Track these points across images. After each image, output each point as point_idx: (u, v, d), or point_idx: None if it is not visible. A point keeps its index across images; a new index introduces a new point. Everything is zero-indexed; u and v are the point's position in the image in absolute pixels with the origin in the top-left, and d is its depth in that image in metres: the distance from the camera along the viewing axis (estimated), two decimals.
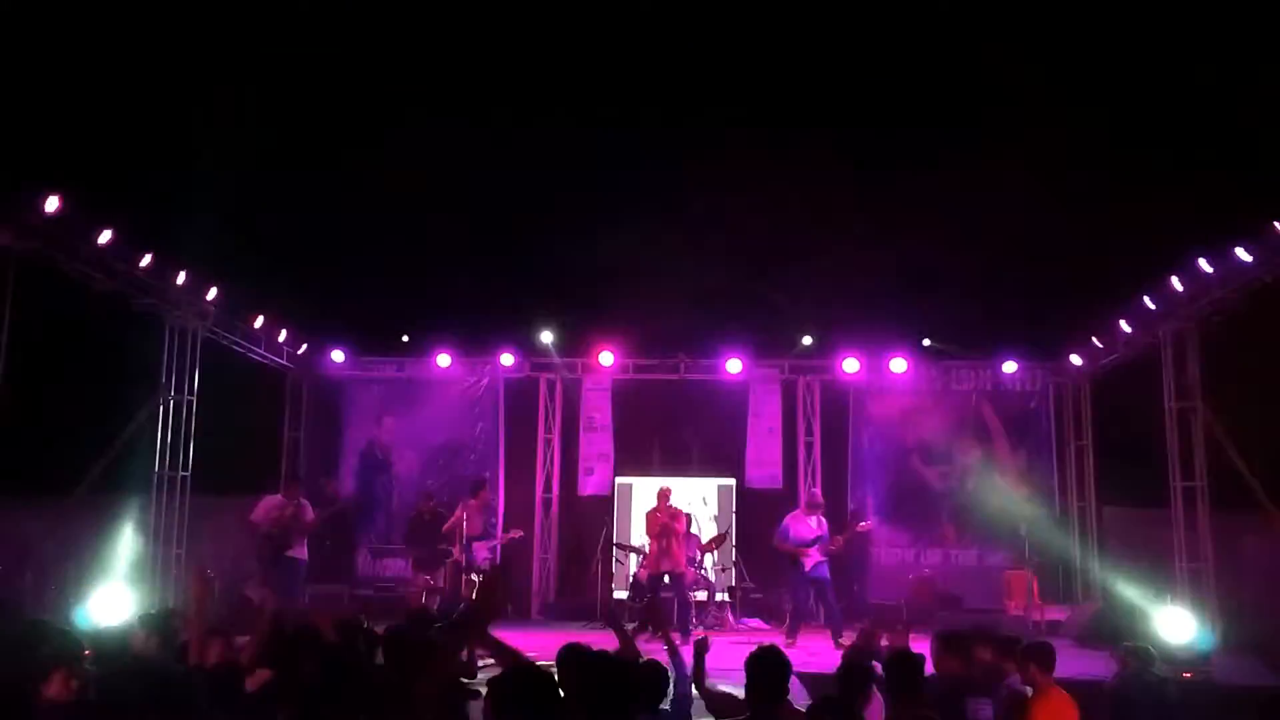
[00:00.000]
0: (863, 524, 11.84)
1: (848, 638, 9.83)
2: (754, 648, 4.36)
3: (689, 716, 4.39)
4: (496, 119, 21.71)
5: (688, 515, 12.11)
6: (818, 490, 11.99)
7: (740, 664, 4.24)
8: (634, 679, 3.99)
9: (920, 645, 5.55)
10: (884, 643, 6.70)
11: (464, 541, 10.99)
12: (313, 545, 10.62)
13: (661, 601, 10.88)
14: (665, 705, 4.27)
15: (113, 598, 10.00)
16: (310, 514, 10.30)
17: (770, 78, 21.54)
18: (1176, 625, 9.63)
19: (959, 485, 13.61)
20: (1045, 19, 20.04)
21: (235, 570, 12.22)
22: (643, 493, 12.70)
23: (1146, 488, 12.45)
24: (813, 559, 10.68)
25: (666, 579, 11.01)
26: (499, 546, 11.89)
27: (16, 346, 8.90)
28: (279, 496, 10.28)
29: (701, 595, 11.88)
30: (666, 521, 11.05)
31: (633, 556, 12.22)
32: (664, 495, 11.49)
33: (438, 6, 21.71)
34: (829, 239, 20.45)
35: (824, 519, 11.02)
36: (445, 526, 11.33)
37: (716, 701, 4.38)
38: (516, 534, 12.30)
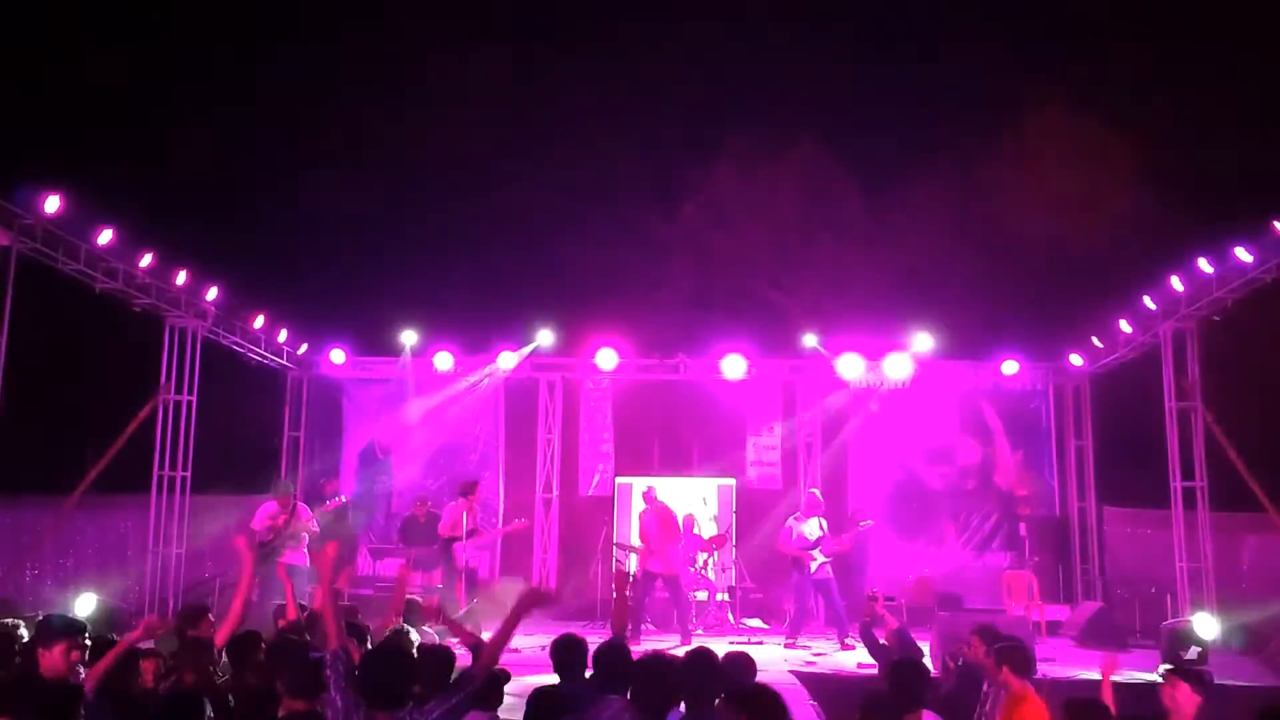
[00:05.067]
0: (864, 522, 11.84)
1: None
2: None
3: None
4: (499, 122, 21.74)
5: (689, 516, 12.09)
6: (818, 492, 11.98)
7: None
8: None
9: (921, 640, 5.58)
10: (879, 609, 6.73)
11: (443, 542, 10.91)
12: (312, 545, 10.60)
13: (626, 602, 10.75)
14: None
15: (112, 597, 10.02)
16: (305, 516, 10.29)
17: (770, 78, 21.56)
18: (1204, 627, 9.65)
19: (959, 485, 13.61)
20: (1045, 22, 20.06)
21: (235, 570, 12.23)
22: (643, 490, 12.69)
23: (1146, 488, 12.46)
24: (817, 561, 10.68)
25: (660, 581, 10.97)
26: (498, 541, 11.84)
27: (17, 346, 8.89)
28: (274, 504, 10.29)
29: (701, 595, 11.87)
30: (654, 521, 11.03)
31: (633, 556, 12.20)
32: (649, 496, 11.49)
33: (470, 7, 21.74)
34: (830, 239, 20.51)
35: (825, 520, 11.01)
36: (442, 527, 11.31)
37: None
38: (522, 524, 12.30)
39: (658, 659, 4.14)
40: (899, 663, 4.84)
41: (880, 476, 13.67)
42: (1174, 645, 8.68)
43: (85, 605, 9.43)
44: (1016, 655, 5.13)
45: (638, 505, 12.16)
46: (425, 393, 14.12)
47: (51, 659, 4.25)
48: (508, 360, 13.69)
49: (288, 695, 4.03)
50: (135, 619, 10.32)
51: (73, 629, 4.40)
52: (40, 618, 5.10)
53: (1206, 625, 9.60)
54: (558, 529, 13.68)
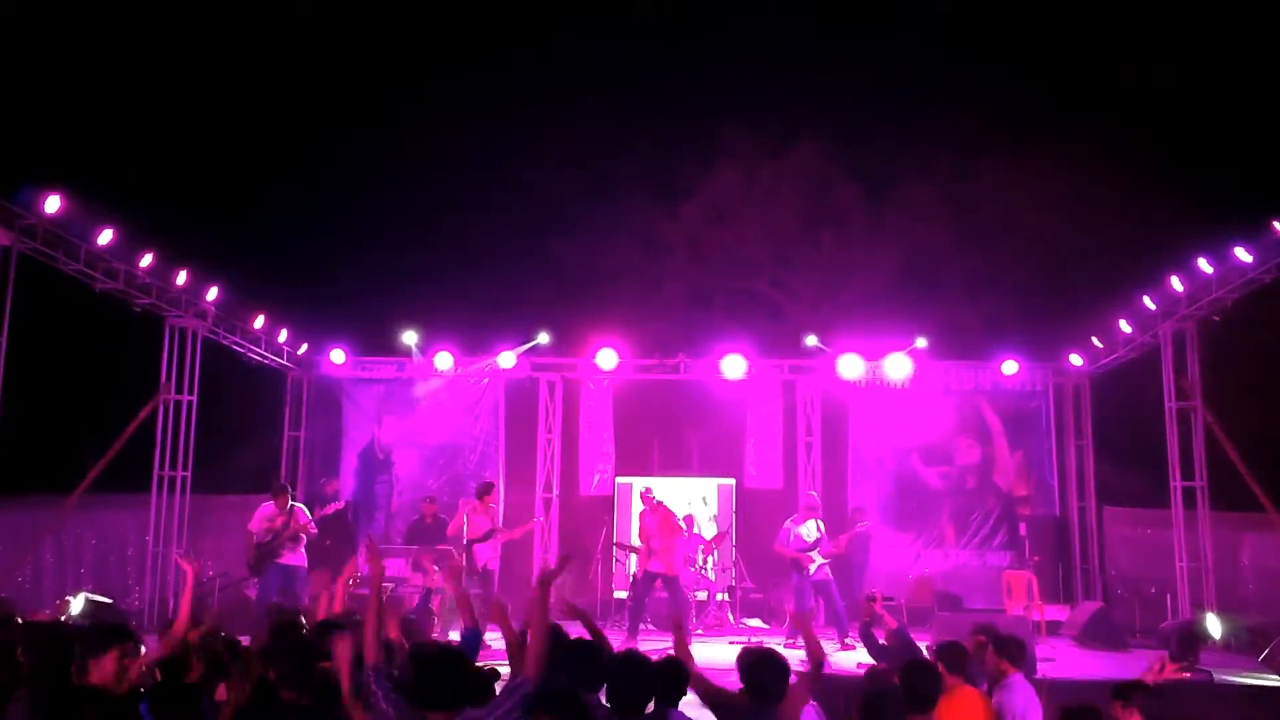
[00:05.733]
0: (861, 524, 11.82)
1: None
2: (748, 647, 4.39)
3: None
4: (496, 121, 21.72)
5: (689, 516, 12.09)
6: (815, 493, 11.97)
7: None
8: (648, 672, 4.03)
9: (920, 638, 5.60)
10: (878, 609, 6.75)
11: (466, 544, 10.97)
12: (312, 545, 10.62)
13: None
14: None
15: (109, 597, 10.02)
16: (303, 518, 10.30)
17: (772, 77, 21.55)
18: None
19: (959, 485, 13.61)
20: (1044, 21, 20.06)
21: (235, 570, 12.25)
22: (640, 491, 12.71)
23: (1146, 487, 12.47)
24: (816, 563, 10.67)
25: (660, 581, 10.95)
26: (500, 546, 11.82)
27: (17, 346, 8.90)
28: (272, 506, 10.31)
29: (701, 595, 11.87)
30: (654, 521, 11.02)
31: (633, 556, 12.21)
32: (646, 497, 11.49)
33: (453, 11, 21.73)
34: (830, 239, 20.51)
35: (822, 521, 11.01)
36: (450, 530, 11.33)
37: (715, 698, 4.37)
38: (533, 525, 12.38)
39: (633, 657, 4.14)
40: (910, 664, 4.83)
41: (880, 476, 13.66)
42: (1185, 645, 8.66)
43: (76, 605, 9.43)
44: (951, 653, 5.22)
45: (638, 505, 12.16)
46: (426, 392, 14.11)
47: (103, 668, 4.08)
48: (507, 360, 13.69)
49: (282, 686, 4.05)
50: (133, 617, 10.34)
51: (122, 635, 4.25)
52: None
53: (1215, 624, 9.61)
54: (558, 529, 13.67)
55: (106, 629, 4.39)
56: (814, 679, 4.59)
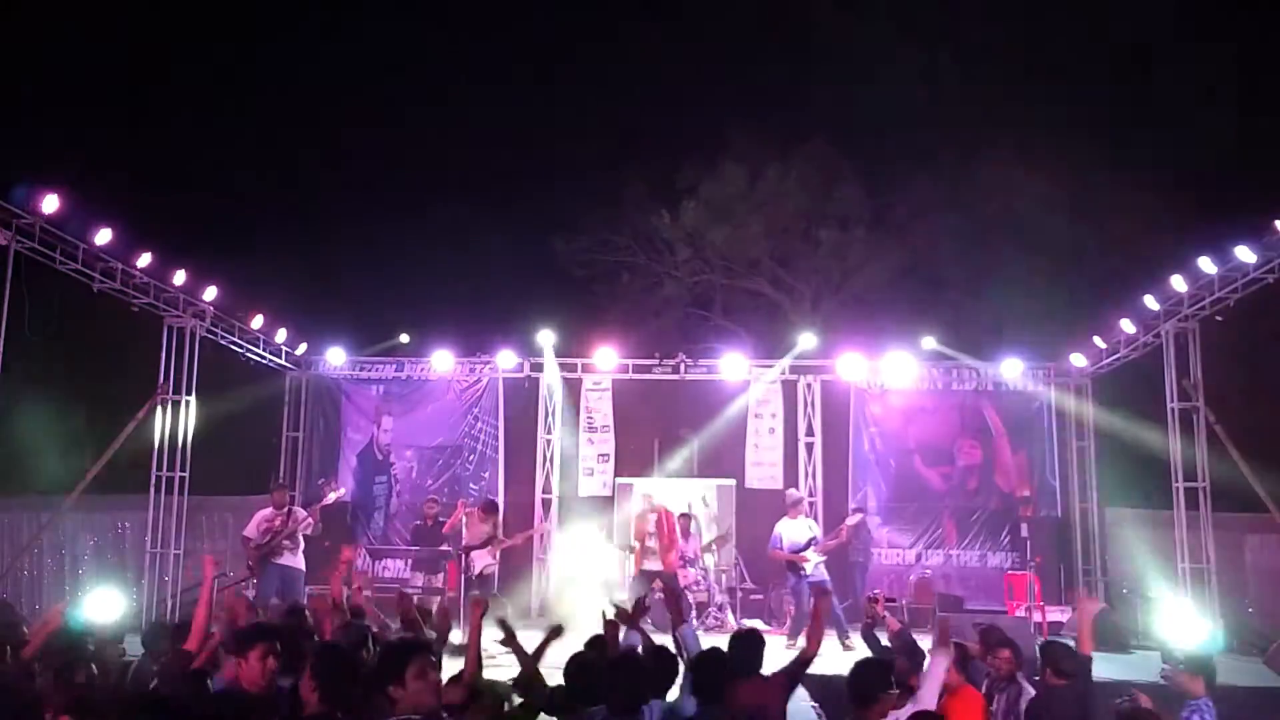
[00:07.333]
0: (850, 518, 11.74)
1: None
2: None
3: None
4: (497, 120, 21.67)
5: (686, 516, 12.02)
6: (793, 489, 11.84)
7: None
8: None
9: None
10: (881, 610, 6.76)
11: (462, 548, 10.90)
12: (311, 547, 10.57)
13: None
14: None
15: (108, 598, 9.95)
16: (301, 516, 10.25)
17: (773, 75, 21.49)
18: (1188, 627, 9.52)
19: (960, 486, 13.55)
20: (1045, 20, 19.98)
21: (234, 571, 12.20)
22: (642, 493, 12.66)
23: (1148, 488, 12.41)
24: (811, 563, 10.58)
25: (658, 580, 10.88)
26: (498, 554, 11.77)
27: (14, 346, 8.85)
28: (269, 508, 10.26)
29: (702, 596, 11.82)
30: (652, 522, 10.98)
31: (630, 556, 12.16)
32: (646, 499, 11.47)
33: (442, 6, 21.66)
34: (832, 239, 20.47)
35: (815, 520, 10.93)
36: (445, 528, 11.29)
37: None
38: (534, 531, 12.36)
39: (629, 658, 4.13)
40: (862, 662, 4.86)
41: (881, 477, 13.61)
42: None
43: (106, 605, 9.37)
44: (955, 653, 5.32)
45: (637, 506, 12.11)
46: (425, 393, 14.08)
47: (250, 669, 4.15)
48: (507, 360, 13.64)
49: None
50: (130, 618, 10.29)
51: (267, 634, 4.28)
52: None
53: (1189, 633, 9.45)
54: (557, 529, 13.60)
55: (255, 630, 4.40)
56: (794, 673, 4.67)
